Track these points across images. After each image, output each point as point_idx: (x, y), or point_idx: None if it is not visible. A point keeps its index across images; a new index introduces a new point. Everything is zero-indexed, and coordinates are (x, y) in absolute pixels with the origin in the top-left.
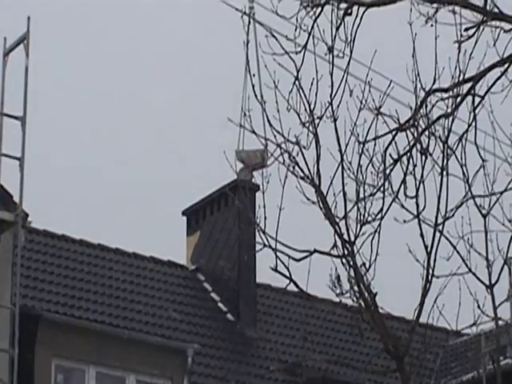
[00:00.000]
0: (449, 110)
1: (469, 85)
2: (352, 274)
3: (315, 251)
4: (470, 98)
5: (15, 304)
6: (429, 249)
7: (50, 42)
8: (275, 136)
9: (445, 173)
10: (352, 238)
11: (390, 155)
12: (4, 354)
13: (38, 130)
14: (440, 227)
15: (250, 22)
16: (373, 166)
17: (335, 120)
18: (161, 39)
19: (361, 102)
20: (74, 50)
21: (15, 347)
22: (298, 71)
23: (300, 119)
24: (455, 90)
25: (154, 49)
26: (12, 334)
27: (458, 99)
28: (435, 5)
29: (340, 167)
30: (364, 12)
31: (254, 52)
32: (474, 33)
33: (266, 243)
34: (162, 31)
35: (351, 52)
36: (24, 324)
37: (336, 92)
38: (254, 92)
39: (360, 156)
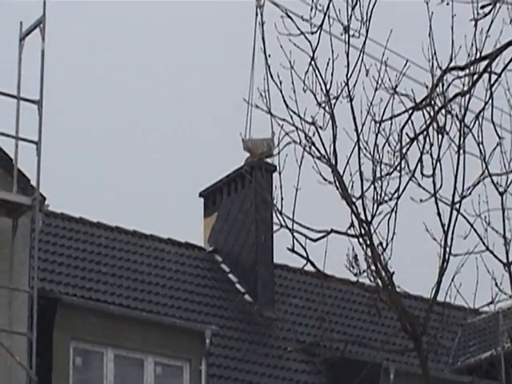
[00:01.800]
0: (465, 88)
1: (485, 63)
2: (369, 253)
3: (332, 231)
4: (486, 75)
5: (33, 287)
6: (446, 227)
7: (66, 25)
8: (291, 116)
9: (461, 151)
10: (369, 218)
11: (407, 134)
12: (22, 337)
13: (55, 113)
14: (457, 206)
15: (258, 7)
16: (389, 145)
17: (351, 100)
18: (174, 23)
19: (377, 82)
20: (89, 33)
21: (33, 331)
22: (313, 51)
23: (316, 99)
24: (472, 68)
25: (169, 31)
26: (30, 318)
27: (475, 77)
28: None
29: (356, 147)
30: None
31: (266, 35)
32: (491, 10)
33: (283, 224)
34: (175, 16)
35: (367, 31)
36: (42, 307)
37: (352, 72)
38: (270, 73)
39: (376, 135)
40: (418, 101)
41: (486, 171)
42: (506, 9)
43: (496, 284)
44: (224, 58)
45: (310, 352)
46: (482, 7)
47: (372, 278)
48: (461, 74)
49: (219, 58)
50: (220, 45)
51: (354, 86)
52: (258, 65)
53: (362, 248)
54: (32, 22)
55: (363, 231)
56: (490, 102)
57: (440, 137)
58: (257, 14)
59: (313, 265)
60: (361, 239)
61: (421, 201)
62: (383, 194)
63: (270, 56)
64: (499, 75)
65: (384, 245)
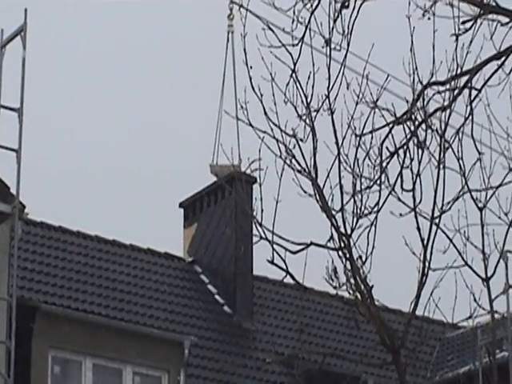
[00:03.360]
0: (446, 103)
1: (466, 78)
2: (348, 266)
3: (311, 244)
4: (466, 91)
5: (12, 295)
6: (425, 242)
7: (47, 33)
8: (272, 129)
9: (441, 166)
10: (348, 231)
11: (387, 148)
12: (1, 345)
13: (35, 122)
14: (436, 220)
15: (229, 32)
16: (369, 158)
17: (332, 113)
18: (153, 34)
19: (358, 96)
20: (71, 41)
21: (12, 339)
22: (294, 64)
23: (297, 112)
24: (452, 83)
25: (151, 41)
26: (9, 326)
27: (455, 92)
28: None
29: (337, 160)
30: (361, 5)
31: (247, 46)
32: (472, 26)
33: (263, 235)
34: (155, 27)
35: (348, 45)
36: (21, 316)
37: (333, 85)
38: (252, 84)
39: (357, 149)
40: (398, 115)
41: (466, 186)
42: (487, 25)
43: (474, 299)
44: (205, 68)
45: (289, 364)
46: (463, 23)
47: (351, 291)
48: (441, 88)
49: (200, 68)
50: (204, 56)
51: (335, 99)
52: (237, 78)
53: (342, 261)
54: (13, 30)
55: (343, 244)
56: (470, 117)
57: (420, 151)
58: (228, 40)
59: (292, 277)
60: (340, 252)
61: (400, 215)
62: (363, 208)
63: (251, 68)
64: (479, 91)
65: (363, 258)
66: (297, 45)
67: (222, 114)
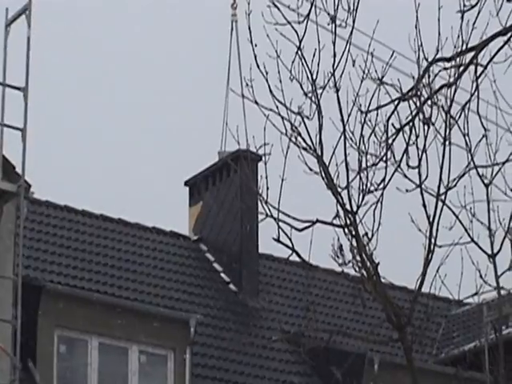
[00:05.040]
0: (451, 80)
1: (471, 54)
2: (354, 243)
3: (317, 221)
4: (472, 67)
5: (18, 275)
6: (431, 218)
7: (52, 12)
8: (277, 106)
9: (447, 142)
10: (354, 208)
11: (393, 125)
12: (7, 324)
13: (40, 100)
14: (442, 197)
15: (233, 21)
16: (375, 135)
17: (337, 90)
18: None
19: (363, 72)
20: (76, 20)
21: (18, 318)
22: (300, 41)
23: (302, 89)
24: (458, 60)
25: (156, 21)
26: (15, 305)
27: (461, 69)
28: None
29: (342, 137)
30: None
31: (252, 23)
32: (477, 2)
33: (268, 213)
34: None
35: (354, 22)
36: (27, 295)
37: (338, 62)
38: (257, 62)
39: (362, 126)
40: (404, 92)
41: (472, 163)
42: (493, 1)
43: (480, 275)
44: (209, 47)
45: (295, 342)
46: None
47: (357, 269)
48: (447, 65)
49: (204, 46)
50: (203, 34)
51: (341, 76)
52: (242, 58)
53: (348, 238)
54: (18, 9)
55: (349, 221)
56: (476, 93)
57: (426, 128)
58: (232, 29)
59: (298, 255)
60: (346, 229)
61: (406, 191)
62: (369, 185)
63: (256, 46)
64: (485, 67)
65: (369, 235)
66: (302, 22)
67: (228, 95)
